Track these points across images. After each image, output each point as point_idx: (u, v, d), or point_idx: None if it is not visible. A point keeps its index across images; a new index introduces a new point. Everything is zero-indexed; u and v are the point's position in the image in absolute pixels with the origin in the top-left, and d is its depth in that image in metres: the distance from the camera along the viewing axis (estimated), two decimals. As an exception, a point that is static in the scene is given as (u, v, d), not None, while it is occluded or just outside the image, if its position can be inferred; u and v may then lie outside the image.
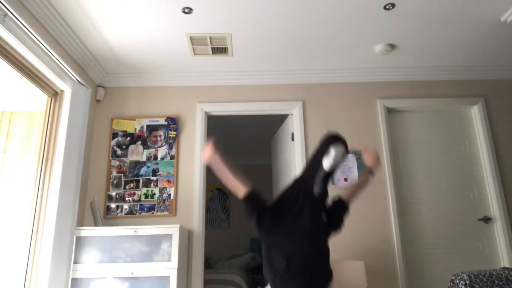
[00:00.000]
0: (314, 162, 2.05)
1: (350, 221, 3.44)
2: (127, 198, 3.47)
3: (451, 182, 3.62)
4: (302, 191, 2.02)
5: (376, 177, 3.55)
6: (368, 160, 2.24)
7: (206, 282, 4.84)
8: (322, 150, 2.03)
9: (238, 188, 2.04)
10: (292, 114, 3.78)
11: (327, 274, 2.00)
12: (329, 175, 2.04)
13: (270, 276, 1.96)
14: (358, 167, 3.55)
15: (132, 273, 2.89)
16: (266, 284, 2.01)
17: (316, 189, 2.02)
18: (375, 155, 2.23)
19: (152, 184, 3.51)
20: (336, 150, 1.99)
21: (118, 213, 3.43)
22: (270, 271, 1.97)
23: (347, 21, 2.99)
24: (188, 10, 2.81)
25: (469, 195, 3.59)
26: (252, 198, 2.02)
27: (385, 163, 3.58)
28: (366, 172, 2.24)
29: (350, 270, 3.15)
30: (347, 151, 2.06)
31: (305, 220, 1.96)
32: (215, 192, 7.30)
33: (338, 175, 3.52)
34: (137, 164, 3.56)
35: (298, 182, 2.08)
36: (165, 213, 3.44)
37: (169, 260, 2.92)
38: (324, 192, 2.06)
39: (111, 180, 3.51)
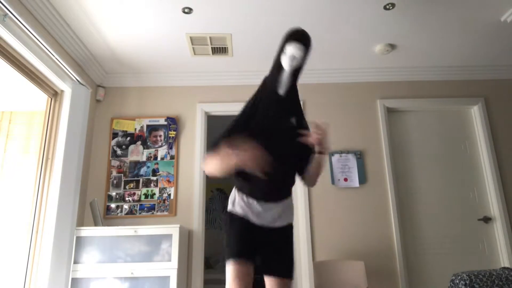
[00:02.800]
0: (275, 64, 1.92)
1: (350, 220, 3.44)
2: (127, 198, 3.47)
3: (451, 182, 3.62)
4: (267, 93, 1.93)
5: (376, 177, 3.55)
6: (312, 140, 1.81)
7: (206, 282, 4.84)
8: (279, 50, 1.88)
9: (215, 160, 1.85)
10: (292, 114, 3.78)
11: (287, 177, 1.90)
12: (296, 73, 1.90)
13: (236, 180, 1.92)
14: (358, 168, 3.55)
15: (132, 273, 2.89)
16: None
17: (282, 90, 1.90)
18: (319, 136, 1.78)
19: (152, 184, 3.50)
20: (293, 48, 1.81)
21: (118, 213, 3.43)
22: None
23: (347, 21, 2.99)
24: (188, 10, 2.81)
25: (469, 195, 3.59)
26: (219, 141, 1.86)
27: (385, 163, 3.57)
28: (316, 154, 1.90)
29: (350, 270, 3.15)
30: (307, 46, 1.84)
31: (269, 120, 1.89)
32: (215, 192, 7.30)
33: (338, 175, 3.52)
34: (137, 164, 3.56)
35: (263, 85, 1.98)
36: (165, 213, 3.44)
37: (169, 260, 2.92)
38: (292, 92, 1.93)
39: (111, 180, 3.51)
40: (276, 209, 1.87)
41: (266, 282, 1.87)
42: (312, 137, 1.78)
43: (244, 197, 1.87)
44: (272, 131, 1.89)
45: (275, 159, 1.84)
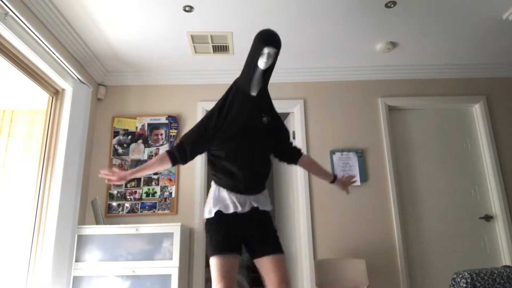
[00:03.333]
0: (248, 65, 2.04)
1: (352, 219, 3.44)
2: (128, 197, 3.47)
3: (453, 180, 3.61)
4: (239, 94, 2.04)
5: (377, 176, 3.55)
6: (342, 185, 2.25)
7: (207, 280, 4.84)
8: (253, 51, 2.00)
9: (161, 163, 2.01)
10: (293, 112, 3.78)
11: (263, 172, 2.04)
12: (267, 73, 2.05)
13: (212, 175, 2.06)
14: (359, 166, 3.54)
15: (133, 271, 2.90)
16: None
17: (254, 90, 2.04)
18: (348, 184, 2.26)
19: (153, 183, 3.51)
20: (268, 47, 1.94)
21: (119, 212, 3.44)
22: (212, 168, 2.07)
23: (348, 19, 2.98)
24: (189, 9, 2.80)
25: (471, 193, 3.59)
26: (180, 149, 2.00)
27: (386, 162, 3.57)
28: (330, 180, 2.23)
29: (351, 268, 3.15)
30: (279, 44, 1.98)
31: (243, 120, 2.00)
32: (216, 191, 7.29)
33: (340, 173, 3.52)
34: (139, 163, 3.56)
35: (234, 86, 2.08)
36: (166, 211, 3.44)
37: (171, 258, 2.92)
38: (263, 93, 2.09)
39: (112, 178, 3.51)
40: (254, 198, 1.99)
41: (261, 266, 1.92)
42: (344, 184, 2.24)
43: (225, 192, 1.97)
44: (246, 130, 2.00)
45: (251, 156, 1.98)
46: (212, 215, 1.96)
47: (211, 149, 2.03)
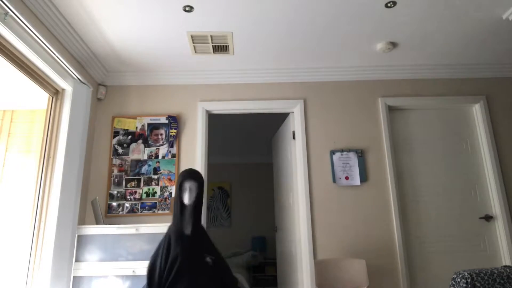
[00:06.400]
0: (176, 205, 2.13)
1: (352, 219, 3.44)
2: (128, 197, 3.47)
3: (453, 180, 3.61)
4: (173, 237, 2.06)
5: (377, 176, 3.55)
6: None
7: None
8: (177, 191, 2.13)
9: None
10: (293, 112, 3.78)
11: None
12: (196, 208, 2.12)
13: None
14: (359, 166, 3.55)
15: (133, 271, 2.90)
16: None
17: (187, 229, 2.10)
18: None
19: (153, 183, 3.51)
20: (187, 183, 2.12)
21: (119, 212, 3.44)
22: None
23: (348, 19, 2.98)
24: (189, 9, 2.80)
25: (471, 193, 3.59)
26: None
27: (386, 162, 3.57)
28: None
29: (351, 268, 3.15)
30: (198, 179, 2.15)
31: (183, 264, 1.97)
32: (216, 191, 7.30)
33: (339, 174, 3.52)
34: (138, 163, 3.56)
35: (168, 232, 2.12)
36: (167, 211, 3.44)
37: (171, 258, 2.92)
38: (198, 230, 2.10)
39: (112, 178, 3.52)
40: None
41: None
42: None
43: None
44: (184, 271, 1.95)
45: None
46: None
47: None
